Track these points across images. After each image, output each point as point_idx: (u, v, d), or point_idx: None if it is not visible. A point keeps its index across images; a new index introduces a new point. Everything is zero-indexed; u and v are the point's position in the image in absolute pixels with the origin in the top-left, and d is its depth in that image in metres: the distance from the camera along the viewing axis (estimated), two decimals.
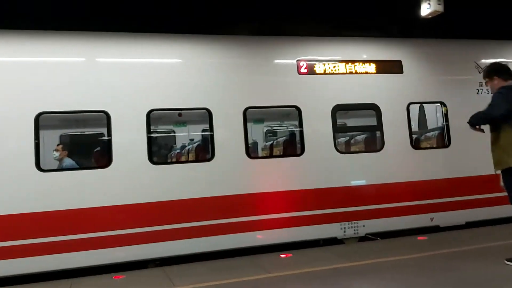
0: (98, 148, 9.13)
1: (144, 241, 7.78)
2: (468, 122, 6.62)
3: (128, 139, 7.93)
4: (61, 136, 10.93)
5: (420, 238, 8.92)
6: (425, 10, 10.04)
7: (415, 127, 12.10)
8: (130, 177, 7.87)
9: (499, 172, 6.78)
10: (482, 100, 10.02)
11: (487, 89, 10.11)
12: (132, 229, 7.75)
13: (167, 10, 9.15)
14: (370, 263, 7.17)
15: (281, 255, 8.02)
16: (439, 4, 9.84)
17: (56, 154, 8.81)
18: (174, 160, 11.26)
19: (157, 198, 7.96)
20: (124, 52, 8.41)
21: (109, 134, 7.86)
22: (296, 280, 6.57)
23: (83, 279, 7.31)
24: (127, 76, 8.14)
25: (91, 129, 10.70)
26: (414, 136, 10.83)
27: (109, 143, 7.86)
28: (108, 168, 7.80)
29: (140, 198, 7.88)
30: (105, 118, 7.87)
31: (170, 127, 12.10)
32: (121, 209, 7.76)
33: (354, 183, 9.12)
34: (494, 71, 6.82)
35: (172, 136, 12.40)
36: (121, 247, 7.71)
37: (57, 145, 9.19)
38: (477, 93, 10.16)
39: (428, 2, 9.96)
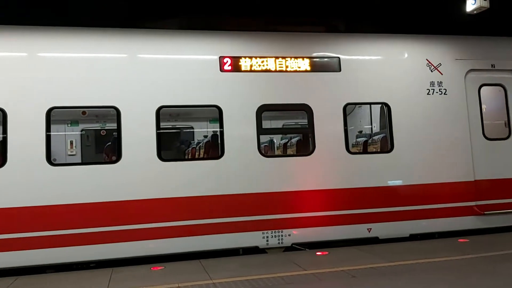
0: None
1: None
2: None
3: (24, 138, 7.52)
4: None
5: (461, 240, 8.70)
6: (470, 5, 9.31)
7: (376, 129, 11.44)
8: (26, 178, 7.49)
9: None
10: (433, 101, 9.31)
11: (439, 89, 9.35)
12: None
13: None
14: (409, 264, 7.02)
15: (317, 253, 8.05)
16: (484, 0, 9.07)
17: None
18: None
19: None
20: (22, 45, 7.95)
21: (4, 132, 7.49)
22: (332, 278, 6.48)
23: (123, 269, 7.44)
24: (27, 71, 7.73)
25: None
26: (363, 139, 10.13)
27: (4, 141, 7.50)
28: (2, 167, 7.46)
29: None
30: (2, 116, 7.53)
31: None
32: None
33: (279, 189, 8.44)
34: None
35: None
36: None
37: None
38: (428, 94, 9.29)
39: None
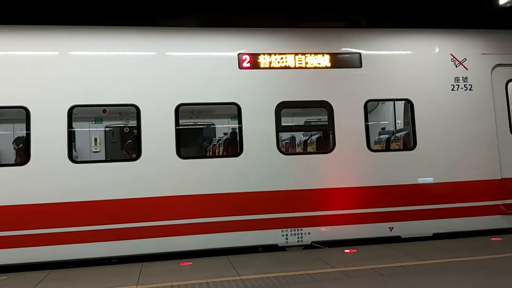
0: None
1: None
2: None
3: (46, 136, 7.66)
4: None
5: (494, 239, 8.54)
6: None
7: (400, 126, 11.21)
8: (48, 175, 7.64)
9: None
10: (458, 97, 9.06)
11: (464, 85, 9.10)
12: None
13: None
14: (440, 263, 6.92)
15: (345, 251, 7.99)
16: None
17: None
18: None
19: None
20: (44, 45, 8.10)
21: (28, 130, 7.65)
22: (360, 276, 6.41)
23: (153, 264, 7.58)
24: (49, 70, 7.85)
25: None
26: (385, 136, 9.96)
27: (27, 139, 7.66)
28: (25, 165, 7.62)
29: None
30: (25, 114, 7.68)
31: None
32: None
33: (298, 186, 8.38)
34: None
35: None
36: None
37: None
38: (452, 90, 9.05)
39: None
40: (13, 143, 9.19)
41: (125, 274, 7.00)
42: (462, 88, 9.07)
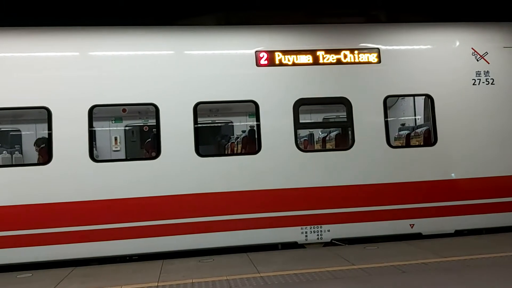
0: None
1: None
2: None
3: (68, 136, 7.77)
4: None
5: None
6: None
7: (420, 121, 11.09)
8: (70, 174, 7.76)
9: None
10: (480, 91, 8.91)
11: (486, 79, 8.95)
12: None
13: None
14: (462, 260, 6.88)
15: (366, 248, 7.95)
16: None
17: None
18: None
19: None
20: (65, 45, 8.20)
21: (50, 129, 7.78)
22: (381, 273, 6.38)
23: (173, 261, 7.67)
24: (69, 70, 7.96)
25: None
26: (405, 132, 9.86)
27: (50, 137, 7.79)
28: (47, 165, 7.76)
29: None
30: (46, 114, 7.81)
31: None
32: None
33: (317, 184, 8.34)
34: None
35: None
36: None
37: None
38: (474, 84, 8.90)
39: None
40: (34, 145, 9.35)
41: (146, 271, 7.09)
42: (483, 82, 8.91)
